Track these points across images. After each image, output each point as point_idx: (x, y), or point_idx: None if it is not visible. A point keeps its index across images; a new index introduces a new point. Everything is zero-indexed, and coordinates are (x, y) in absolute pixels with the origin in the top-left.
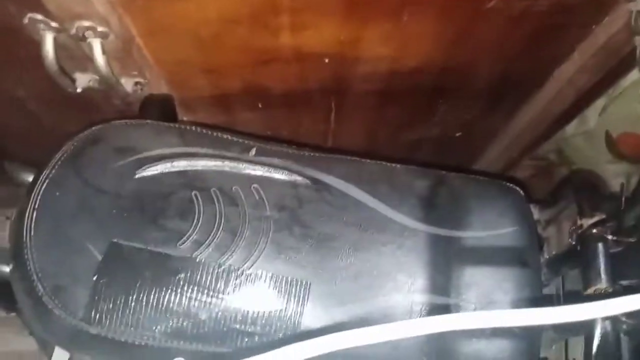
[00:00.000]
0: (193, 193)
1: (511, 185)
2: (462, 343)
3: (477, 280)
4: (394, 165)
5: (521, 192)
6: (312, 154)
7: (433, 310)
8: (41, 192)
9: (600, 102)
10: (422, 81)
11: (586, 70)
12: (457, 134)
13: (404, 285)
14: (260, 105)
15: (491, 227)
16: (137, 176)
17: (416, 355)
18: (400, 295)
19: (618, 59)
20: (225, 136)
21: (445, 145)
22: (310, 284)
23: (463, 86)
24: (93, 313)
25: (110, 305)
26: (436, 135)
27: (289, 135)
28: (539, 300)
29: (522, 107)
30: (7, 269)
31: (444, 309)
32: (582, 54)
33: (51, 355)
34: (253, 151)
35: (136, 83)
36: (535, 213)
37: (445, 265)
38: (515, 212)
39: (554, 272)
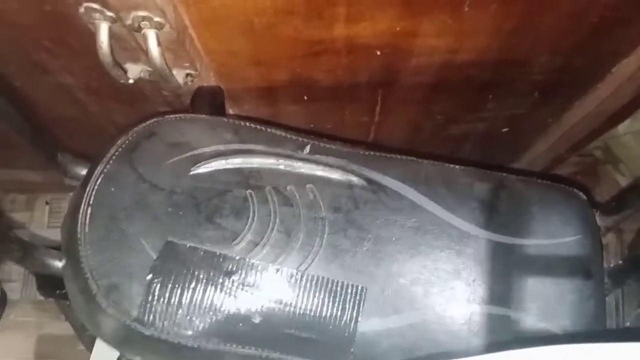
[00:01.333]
0: (248, 192)
1: (574, 190)
2: None
3: (539, 291)
4: (452, 166)
5: (584, 197)
6: (367, 153)
7: (492, 321)
8: (96, 187)
9: None
10: (474, 74)
11: None
12: (504, 130)
13: (463, 294)
14: (305, 98)
15: (555, 234)
16: (192, 173)
17: None
18: (458, 304)
19: None
20: (279, 133)
21: (490, 141)
22: (365, 290)
23: (516, 80)
24: (146, 313)
25: (164, 306)
26: (482, 131)
27: (332, 127)
28: (602, 313)
29: (575, 103)
30: (59, 264)
31: (504, 320)
32: None
33: (88, 343)
34: (307, 148)
35: (187, 75)
36: (597, 219)
37: (506, 274)
38: (579, 219)
39: (616, 283)
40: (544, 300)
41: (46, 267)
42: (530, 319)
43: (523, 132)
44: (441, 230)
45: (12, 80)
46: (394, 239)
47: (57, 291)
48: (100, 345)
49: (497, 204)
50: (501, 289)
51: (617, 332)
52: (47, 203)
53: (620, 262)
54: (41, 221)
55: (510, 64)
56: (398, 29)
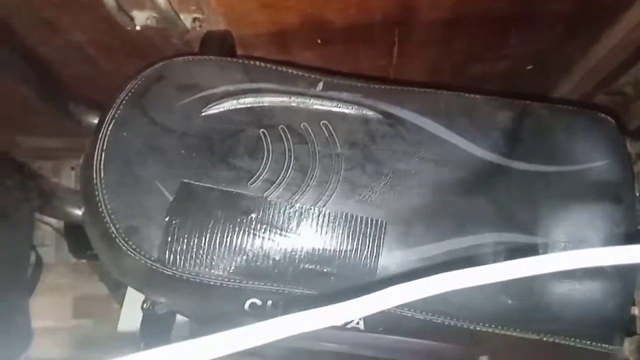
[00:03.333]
0: (261, 131)
1: (602, 114)
2: (550, 284)
3: (566, 217)
4: (472, 95)
5: (613, 122)
6: (382, 87)
7: (518, 251)
8: (108, 132)
9: None
10: (494, 7)
11: None
12: (528, 68)
13: (487, 225)
14: (319, 41)
15: (582, 160)
16: (203, 114)
17: (501, 297)
18: (482, 235)
19: None
20: (290, 71)
21: (513, 81)
22: (386, 224)
23: (538, 12)
24: (167, 254)
25: (184, 246)
26: (504, 70)
27: (348, 72)
28: (633, 238)
29: (602, 35)
30: (79, 211)
31: (531, 249)
32: None
33: (121, 301)
34: (320, 85)
35: (195, 19)
36: (627, 145)
37: (532, 202)
38: (607, 144)
39: None
40: (572, 227)
41: (67, 215)
42: (559, 247)
43: (548, 70)
44: (463, 162)
45: (23, 40)
46: (413, 172)
47: (88, 252)
48: (130, 297)
49: (521, 132)
50: (527, 217)
51: None
52: (72, 169)
53: None
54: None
55: None
56: None
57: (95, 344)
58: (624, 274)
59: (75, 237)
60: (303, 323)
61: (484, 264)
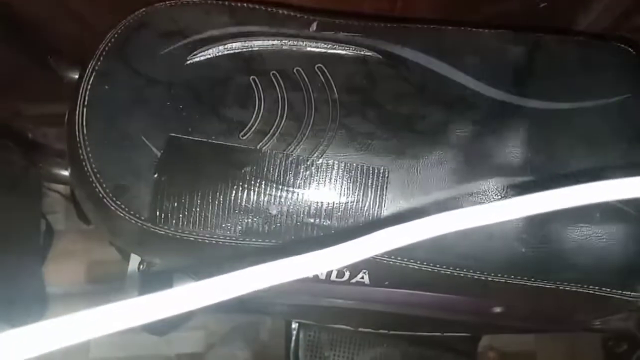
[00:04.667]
0: (251, 78)
1: (622, 45)
2: (566, 230)
3: (584, 157)
4: (480, 30)
5: (632, 51)
6: (382, 25)
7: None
8: (89, 86)
9: None
10: None
11: None
12: (542, 5)
13: (499, 167)
14: None
15: (600, 95)
16: (188, 62)
17: (514, 245)
18: (491, 180)
19: None
20: (280, 11)
21: (526, 20)
22: (388, 172)
23: None
24: (158, 212)
25: (175, 204)
26: (518, 8)
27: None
28: None
29: None
30: (66, 172)
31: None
32: None
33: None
34: (314, 26)
35: None
36: None
37: (547, 143)
38: (628, 77)
39: None
40: (590, 166)
41: (54, 177)
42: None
43: (563, 6)
44: (472, 102)
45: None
46: (417, 115)
47: None
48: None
49: (534, 67)
50: (541, 159)
51: None
52: None
53: None
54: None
55: None
56: None
57: None
58: None
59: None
60: (296, 268)
61: None
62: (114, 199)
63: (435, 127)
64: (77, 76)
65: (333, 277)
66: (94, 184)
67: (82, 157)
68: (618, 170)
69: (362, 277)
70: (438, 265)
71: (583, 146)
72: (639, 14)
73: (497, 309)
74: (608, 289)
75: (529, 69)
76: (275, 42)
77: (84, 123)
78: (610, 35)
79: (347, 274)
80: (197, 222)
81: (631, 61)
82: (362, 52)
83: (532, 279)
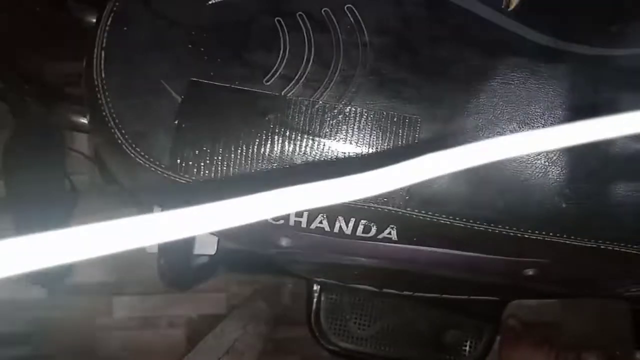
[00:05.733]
0: (276, 19)
1: None
2: (612, 186)
3: (629, 110)
4: None
5: None
6: None
7: (575, 151)
8: (107, 28)
9: None
10: None
11: None
12: None
13: (539, 120)
14: None
15: None
16: (210, 2)
17: (554, 199)
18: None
19: None
20: None
21: None
22: (420, 122)
23: None
24: (179, 160)
25: (197, 152)
26: None
27: None
28: None
29: None
30: (84, 120)
31: (589, 148)
32: None
33: None
34: None
35: None
36: None
37: (593, 92)
38: None
39: None
40: None
41: (73, 124)
42: (623, 140)
43: None
44: (513, 46)
45: None
46: (455, 60)
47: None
48: None
49: (581, 9)
50: (586, 110)
51: None
52: None
53: None
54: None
55: None
56: None
57: (135, 265)
58: None
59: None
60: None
61: (535, 167)
62: (134, 145)
63: (474, 73)
64: (95, 19)
65: (359, 232)
66: (112, 130)
67: (100, 101)
68: None
69: (390, 233)
70: (472, 221)
71: (633, 96)
72: None
73: (530, 272)
74: None
75: (575, 10)
76: None
77: (102, 67)
78: None
79: (373, 229)
80: (219, 172)
81: None
82: None
83: (572, 237)
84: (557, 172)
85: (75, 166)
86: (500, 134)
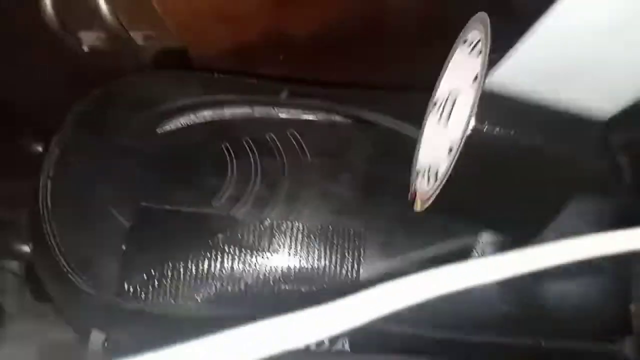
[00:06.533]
0: (224, 145)
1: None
2: (545, 284)
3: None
4: None
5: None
6: (352, 90)
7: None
8: (55, 157)
9: None
10: None
11: None
12: None
13: (474, 225)
14: (281, 58)
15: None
16: (159, 131)
17: (496, 303)
18: (470, 236)
19: None
20: (251, 81)
21: None
22: (365, 235)
23: None
24: (126, 286)
25: (145, 276)
26: None
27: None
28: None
29: None
30: (27, 247)
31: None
32: None
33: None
34: (284, 94)
35: (147, 37)
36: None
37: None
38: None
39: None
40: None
41: (14, 253)
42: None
43: None
44: None
45: None
46: (390, 177)
47: None
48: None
49: None
50: (516, 213)
51: None
52: None
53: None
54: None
55: None
56: None
57: None
58: (620, 268)
59: (35, 277)
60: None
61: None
62: (80, 273)
63: (408, 187)
64: (42, 149)
65: (313, 345)
66: (58, 259)
67: (46, 231)
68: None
69: (343, 345)
70: (422, 328)
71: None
72: None
73: None
74: (588, 342)
75: None
76: (247, 109)
77: (49, 195)
78: None
79: (327, 342)
80: (169, 294)
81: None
82: (332, 118)
83: (513, 336)
84: None
85: (3, 284)
86: (442, 242)
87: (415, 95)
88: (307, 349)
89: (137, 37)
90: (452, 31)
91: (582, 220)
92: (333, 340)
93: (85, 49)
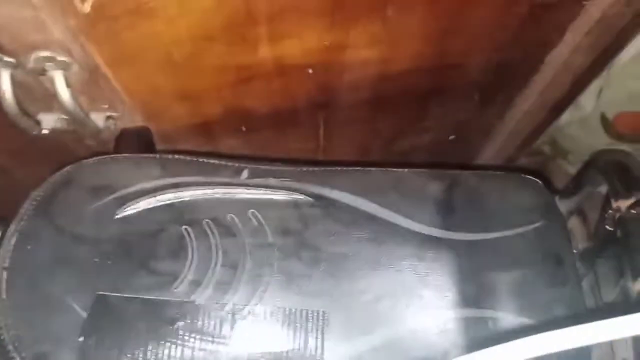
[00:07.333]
0: (183, 228)
1: (529, 177)
2: None
3: (511, 284)
4: (401, 170)
5: (540, 183)
6: (311, 169)
7: (468, 325)
8: (10, 248)
9: (595, 85)
10: (412, 83)
11: (580, 50)
12: (451, 138)
13: (433, 302)
14: (244, 129)
15: (517, 224)
16: (118, 216)
17: None
18: (430, 314)
19: (613, 34)
20: (211, 161)
21: (438, 151)
22: (328, 314)
23: (455, 83)
24: None
25: None
26: (429, 142)
27: (278, 157)
28: (577, 297)
29: (516, 99)
30: None
31: (480, 322)
32: (575, 34)
33: None
34: (245, 173)
35: (108, 117)
36: (558, 204)
37: (474, 272)
38: (539, 205)
39: (589, 266)
40: (518, 293)
41: None
42: (508, 316)
43: (470, 138)
44: (400, 238)
45: None
46: (351, 254)
47: None
48: None
49: (453, 202)
50: (472, 289)
51: (598, 312)
52: None
53: (589, 243)
54: None
55: (446, 68)
56: (326, 43)
57: None
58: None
59: None
60: None
61: (433, 346)
62: None
63: (368, 264)
64: None
65: None
66: (11, 353)
67: (0, 324)
68: (544, 294)
69: None
70: None
71: (509, 273)
72: (535, 140)
73: None
74: None
75: (449, 204)
76: (208, 190)
77: (4, 287)
78: (518, 167)
79: None
80: None
81: (539, 190)
82: (293, 196)
83: None
84: (457, 350)
85: None
86: (401, 319)
87: (371, 172)
88: None
89: (99, 118)
90: None
91: (539, 290)
92: None
93: (45, 131)
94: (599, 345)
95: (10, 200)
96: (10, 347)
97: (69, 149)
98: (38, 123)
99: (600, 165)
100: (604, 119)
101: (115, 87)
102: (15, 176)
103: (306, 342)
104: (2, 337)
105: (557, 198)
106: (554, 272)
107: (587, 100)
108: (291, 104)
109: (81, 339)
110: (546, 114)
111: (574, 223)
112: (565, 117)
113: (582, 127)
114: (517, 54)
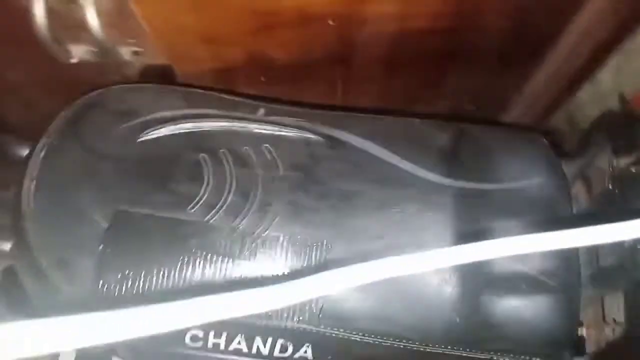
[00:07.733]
0: (201, 155)
1: (535, 134)
2: (495, 300)
3: (509, 234)
4: (411, 119)
5: (545, 140)
6: (324, 112)
7: (464, 269)
8: (40, 160)
9: (614, 62)
10: (430, 44)
11: (603, 18)
12: (471, 108)
13: (431, 244)
14: (263, 79)
15: (519, 178)
16: (140, 140)
17: (450, 315)
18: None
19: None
20: (231, 97)
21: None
22: (330, 246)
23: (473, 48)
24: (101, 286)
25: (119, 277)
26: (447, 111)
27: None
28: (575, 257)
29: (534, 70)
30: (7, 245)
31: (475, 267)
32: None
33: None
34: (262, 111)
35: (134, 52)
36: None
37: (474, 220)
38: (542, 162)
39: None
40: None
41: None
42: (504, 262)
43: (486, 109)
44: (406, 182)
45: None
46: (357, 193)
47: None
48: None
49: (460, 152)
50: (470, 236)
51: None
52: None
53: (589, 205)
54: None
55: (464, 30)
56: None
57: None
58: (569, 289)
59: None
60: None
61: (428, 285)
62: (57, 271)
63: (373, 203)
64: (26, 153)
65: (276, 352)
66: (36, 256)
67: (26, 228)
68: None
69: (306, 352)
70: (379, 337)
71: (508, 224)
72: (553, 114)
73: None
74: (538, 359)
75: (455, 153)
76: (225, 123)
77: (31, 196)
78: (529, 126)
79: (290, 348)
80: (142, 294)
81: (544, 148)
82: (305, 135)
83: (467, 349)
84: (450, 290)
85: None
86: None
87: (383, 119)
88: (271, 355)
89: (125, 52)
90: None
91: None
92: (297, 346)
93: (74, 60)
94: (591, 308)
95: (34, 126)
96: (35, 251)
97: (94, 82)
98: (68, 52)
99: (606, 122)
100: (622, 99)
101: (142, 23)
102: (42, 110)
103: (309, 269)
104: (28, 241)
105: (563, 160)
106: (550, 229)
107: (605, 78)
108: (311, 56)
109: (101, 248)
110: (564, 87)
111: (578, 188)
112: (583, 95)
113: (600, 108)
114: (537, 18)
